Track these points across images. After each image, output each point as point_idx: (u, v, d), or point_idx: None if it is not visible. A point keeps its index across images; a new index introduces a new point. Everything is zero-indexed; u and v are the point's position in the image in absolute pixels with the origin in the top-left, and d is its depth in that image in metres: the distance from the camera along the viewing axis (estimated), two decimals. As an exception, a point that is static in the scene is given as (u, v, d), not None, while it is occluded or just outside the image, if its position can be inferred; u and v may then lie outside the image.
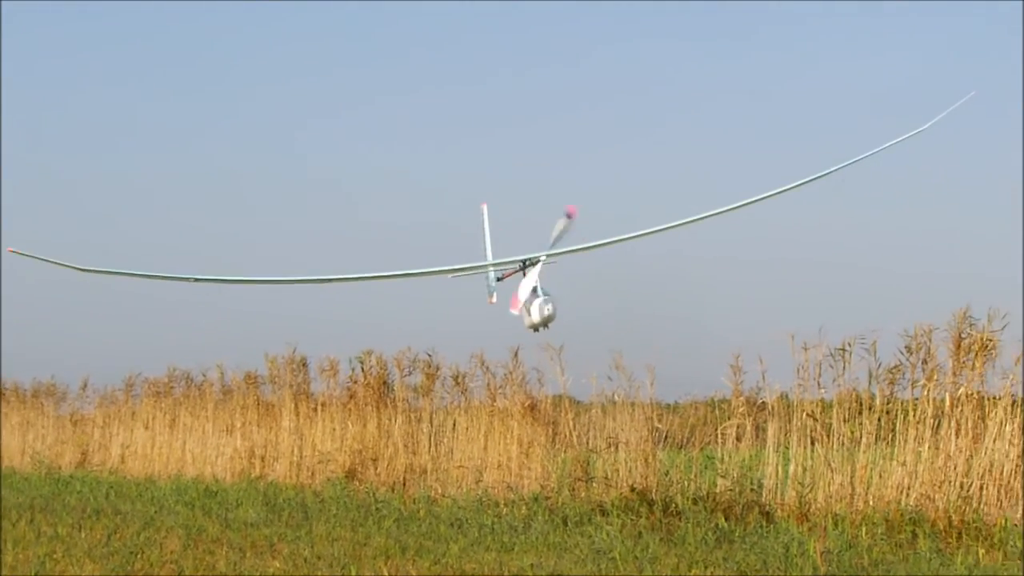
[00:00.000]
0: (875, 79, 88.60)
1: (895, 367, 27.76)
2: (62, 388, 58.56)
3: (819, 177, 28.10)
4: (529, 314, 27.71)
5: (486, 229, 29.56)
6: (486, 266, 28.93)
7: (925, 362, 27.40)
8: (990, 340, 26.66)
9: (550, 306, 27.52)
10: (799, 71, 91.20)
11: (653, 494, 29.72)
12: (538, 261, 27.81)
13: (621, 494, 30.14)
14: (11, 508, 35.18)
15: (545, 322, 27.79)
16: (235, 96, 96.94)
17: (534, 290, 27.68)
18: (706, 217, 28.01)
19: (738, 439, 30.49)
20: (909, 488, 26.45)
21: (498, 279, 28.76)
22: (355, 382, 41.57)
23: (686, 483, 29.78)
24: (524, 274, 27.94)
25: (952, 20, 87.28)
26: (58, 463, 54.88)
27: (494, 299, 28.93)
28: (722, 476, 29.18)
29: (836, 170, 28.13)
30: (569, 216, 27.27)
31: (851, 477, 27.31)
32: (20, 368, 66.26)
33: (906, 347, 27.57)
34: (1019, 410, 26.12)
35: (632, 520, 28.09)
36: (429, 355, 39.19)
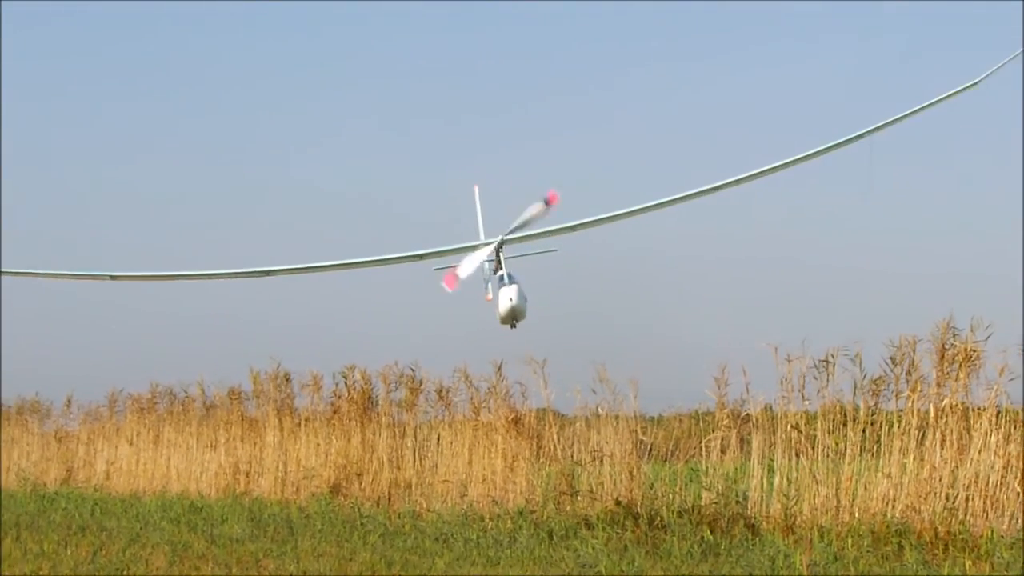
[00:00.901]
0: (864, 72, 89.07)
1: (879, 378, 27.78)
2: (46, 405, 58.52)
3: (851, 140, 26.62)
4: (497, 306, 26.56)
5: (478, 211, 28.52)
6: (455, 251, 27.58)
7: (909, 373, 27.42)
8: (974, 351, 26.68)
9: (514, 296, 26.08)
10: (787, 64, 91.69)
11: (638, 507, 29.71)
12: (497, 243, 26.18)
13: (606, 507, 30.13)
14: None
15: (513, 315, 26.53)
16: (242, 108, 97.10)
17: (501, 279, 26.34)
18: (702, 193, 26.75)
19: (723, 451, 30.49)
20: (895, 500, 26.47)
21: (494, 272, 27.44)
22: (339, 397, 41.54)
23: (671, 496, 29.77)
24: (500, 264, 26.77)
25: (943, 18, 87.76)
26: (43, 480, 54.75)
27: (491, 295, 27.82)
28: (707, 489, 29.17)
29: (870, 132, 26.77)
30: (548, 203, 25.45)
31: (836, 489, 27.32)
32: (4, 385, 66.09)
33: (890, 358, 27.58)
34: (1004, 421, 26.16)
35: (617, 533, 28.09)
36: (412, 370, 39.23)
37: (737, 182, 26.76)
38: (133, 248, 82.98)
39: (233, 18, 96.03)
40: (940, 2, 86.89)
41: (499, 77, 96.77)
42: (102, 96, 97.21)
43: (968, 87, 27.14)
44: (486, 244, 26.64)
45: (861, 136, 26.64)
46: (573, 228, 27.07)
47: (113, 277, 27.58)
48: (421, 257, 27.39)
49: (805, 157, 26.77)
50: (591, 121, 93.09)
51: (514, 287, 26.32)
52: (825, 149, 26.78)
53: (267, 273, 27.77)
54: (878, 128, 26.77)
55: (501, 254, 26.50)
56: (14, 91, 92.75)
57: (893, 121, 26.89)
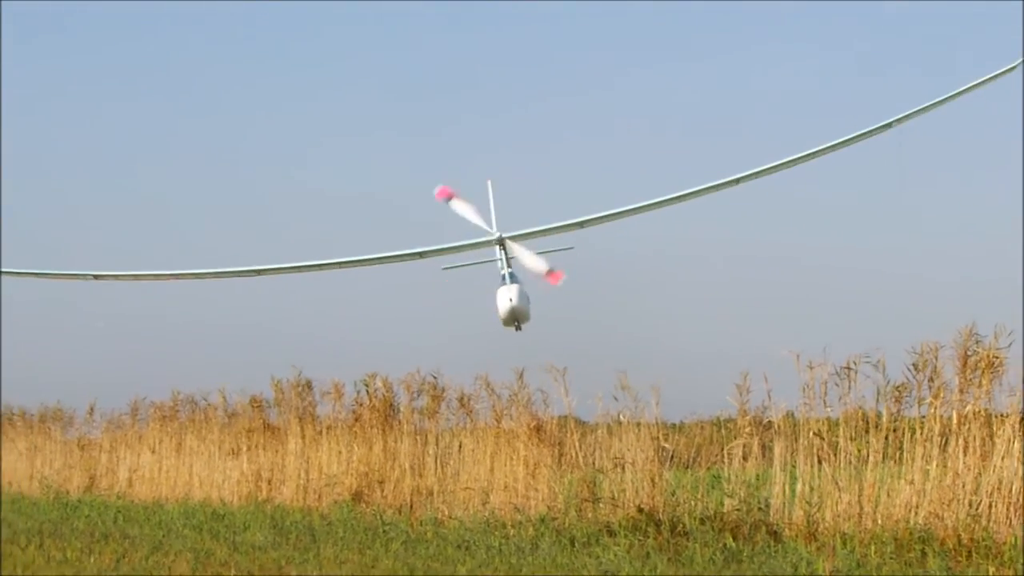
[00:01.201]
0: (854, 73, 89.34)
1: (901, 385, 27.73)
2: (69, 413, 58.61)
3: (879, 129, 25.64)
4: (497, 307, 25.88)
5: (491, 206, 27.90)
6: (453, 249, 26.71)
7: (932, 380, 27.35)
8: (996, 357, 26.61)
9: (515, 296, 25.50)
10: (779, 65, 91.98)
11: (660, 514, 29.71)
12: (496, 242, 25.62)
13: (628, 514, 30.12)
14: (20, 533, 35.21)
15: (514, 316, 25.80)
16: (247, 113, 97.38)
17: (503, 278, 25.90)
18: (720, 186, 25.90)
19: (744, 458, 30.44)
20: (917, 506, 26.40)
21: (511, 273, 26.63)
22: (360, 405, 41.58)
23: (693, 503, 29.75)
24: (508, 263, 25.91)
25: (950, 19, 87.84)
26: (66, 487, 54.87)
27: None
28: (729, 496, 29.15)
29: (899, 120, 25.80)
30: (550, 274, 25.14)
31: (859, 496, 27.27)
32: (26, 393, 66.21)
33: (913, 365, 27.53)
34: (1027, 427, 26.09)
35: (639, 540, 28.08)
36: (434, 377, 39.25)
37: (758, 174, 26.24)
38: (133, 250, 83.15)
39: (233, 18, 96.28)
40: (941, 2, 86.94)
41: (499, 77, 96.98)
42: (101, 97, 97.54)
43: (1006, 71, 26.42)
44: (482, 244, 26.02)
45: (889, 125, 25.97)
46: (581, 224, 26.48)
47: (96, 276, 27.34)
48: (421, 255, 26.83)
49: (831, 147, 26.10)
50: (592, 121, 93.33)
51: (514, 287, 25.62)
52: (853, 138, 26.14)
53: (258, 272, 27.33)
54: (908, 116, 26.09)
55: (505, 252, 25.84)
56: (13, 92, 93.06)
57: (924, 109, 26.13)
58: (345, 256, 27.31)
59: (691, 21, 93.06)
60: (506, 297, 25.54)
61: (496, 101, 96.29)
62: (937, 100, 26.14)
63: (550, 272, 25.25)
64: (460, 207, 26.19)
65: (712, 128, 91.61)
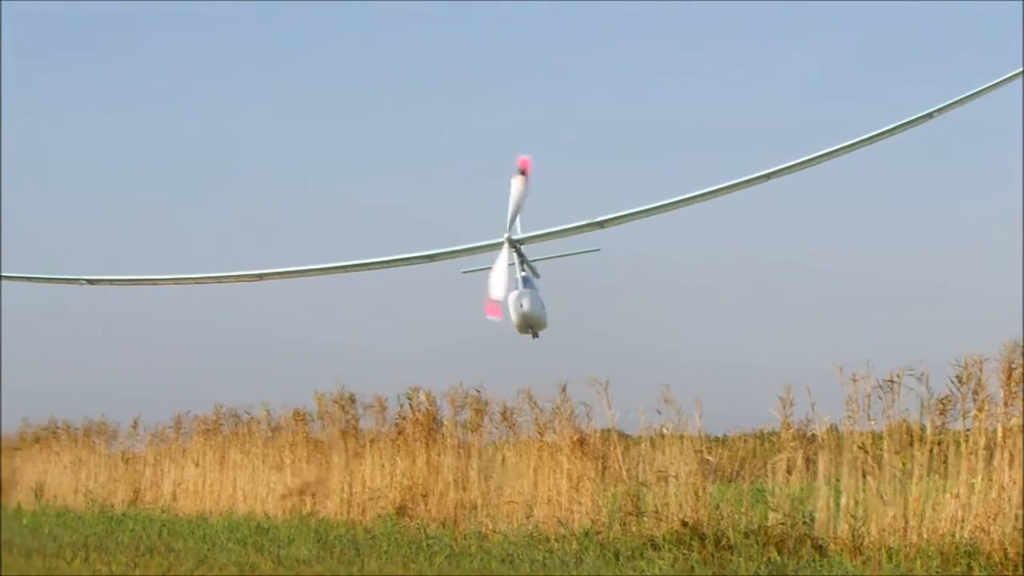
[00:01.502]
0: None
1: (946, 397, 27.64)
2: (113, 426, 58.81)
3: (918, 120, 25.01)
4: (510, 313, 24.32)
5: (511, 204, 26.95)
6: (466, 251, 25.71)
7: (976, 392, 27.26)
8: (1041, 370, 26.53)
9: (527, 303, 24.17)
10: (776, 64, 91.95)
11: (704, 528, 29.65)
12: (505, 242, 24.28)
13: (672, 528, 30.08)
14: (65, 547, 35.38)
15: (527, 323, 24.38)
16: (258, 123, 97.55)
17: (515, 282, 24.56)
18: (745, 183, 25.13)
19: (788, 472, 30.37)
20: (963, 520, 26.30)
21: (524, 277, 25.82)
22: (404, 418, 41.65)
23: (737, 516, 29.67)
24: (522, 266, 24.99)
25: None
26: (111, 501, 55.04)
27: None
28: (773, 509, 29.08)
29: (939, 109, 25.19)
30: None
31: (904, 509, 27.17)
32: (70, 407, 66.38)
33: (956, 377, 27.43)
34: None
35: (684, 554, 28.03)
36: (478, 391, 39.30)
37: (789, 169, 25.54)
38: (132, 253, 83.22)
39: (233, 19, 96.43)
40: (942, 1, 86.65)
41: (499, 77, 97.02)
42: (100, 98, 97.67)
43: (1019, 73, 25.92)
44: (495, 246, 25.15)
45: (931, 115, 25.40)
46: (602, 224, 25.58)
47: (90, 281, 27.25)
48: (432, 258, 26.10)
49: (870, 139, 25.40)
50: (592, 122, 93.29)
51: (527, 292, 24.41)
52: (893, 129, 25.61)
53: (260, 277, 26.94)
54: (945, 108, 25.54)
55: (522, 251, 24.98)
56: (12, 93, 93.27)
57: (962, 100, 25.47)
58: (350, 260, 26.80)
59: (691, 21, 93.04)
60: (517, 303, 24.58)
61: (496, 101, 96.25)
62: (981, 88, 25.57)
63: (494, 302, 23.44)
64: (517, 186, 24.73)
65: (714, 130, 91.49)
